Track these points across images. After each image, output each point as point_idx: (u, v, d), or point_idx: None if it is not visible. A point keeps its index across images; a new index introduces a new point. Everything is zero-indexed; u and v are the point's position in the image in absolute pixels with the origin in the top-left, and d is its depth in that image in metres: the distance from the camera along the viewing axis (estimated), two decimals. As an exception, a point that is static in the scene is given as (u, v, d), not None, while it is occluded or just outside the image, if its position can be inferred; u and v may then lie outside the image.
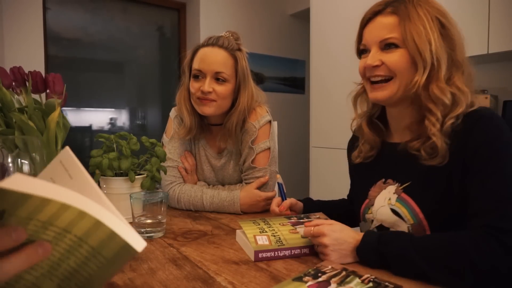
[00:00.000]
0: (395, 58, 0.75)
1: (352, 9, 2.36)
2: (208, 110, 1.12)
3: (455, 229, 0.69)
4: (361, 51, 0.82)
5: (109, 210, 0.38)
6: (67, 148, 0.41)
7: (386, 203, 0.80)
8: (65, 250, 0.38)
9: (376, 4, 0.79)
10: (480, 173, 0.66)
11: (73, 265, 0.40)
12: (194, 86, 1.12)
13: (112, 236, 0.37)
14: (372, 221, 0.83)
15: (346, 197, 1.08)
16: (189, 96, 1.17)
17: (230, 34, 1.17)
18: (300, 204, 0.99)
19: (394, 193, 0.79)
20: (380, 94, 0.77)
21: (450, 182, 0.70)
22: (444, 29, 0.75)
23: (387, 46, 0.76)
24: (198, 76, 1.11)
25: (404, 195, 0.77)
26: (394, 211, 0.78)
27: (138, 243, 0.39)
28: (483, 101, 2.00)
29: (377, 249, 0.64)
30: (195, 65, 1.11)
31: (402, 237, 0.64)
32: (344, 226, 0.71)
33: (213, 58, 1.10)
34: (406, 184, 0.77)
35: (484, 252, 0.57)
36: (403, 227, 0.76)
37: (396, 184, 0.79)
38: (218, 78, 1.10)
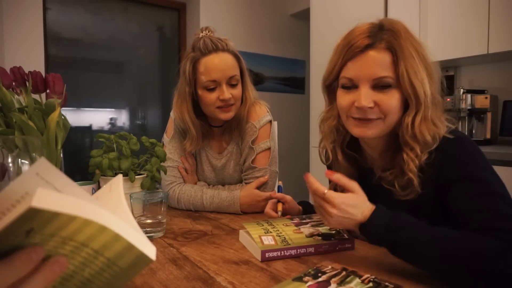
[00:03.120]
0: (389, 100, 0.71)
1: (352, 9, 2.36)
2: (229, 115, 1.12)
3: None
4: (342, 84, 0.76)
5: (129, 221, 0.39)
6: (120, 175, 0.51)
7: None
8: (80, 262, 0.38)
9: (362, 36, 0.71)
10: (468, 194, 0.66)
11: (88, 276, 0.40)
12: (210, 97, 1.09)
13: (129, 247, 0.38)
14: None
15: None
16: (193, 107, 1.15)
17: (209, 32, 1.13)
18: (297, 206, 0.99)
19: None
20: (369, 132, 0.73)
21: (419, 204, 0.72)
22: (427, 65, 0.72)
23: (380, 84, 0.71)
24: (212, 86, 1.09)
25: None
26: None
27: (151, 251, 0.40)
28: (482, 101, 2.00)
29: (384, 237, 0.61)
30: (207, 76, 1.07)
31: (412, 225, 0.61)
32: (360, 200, 0.66)
33: (224, 65, 1.08)
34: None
35: (503, 256, 0.55)
36: None
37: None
38: (231, 82, 1.10)
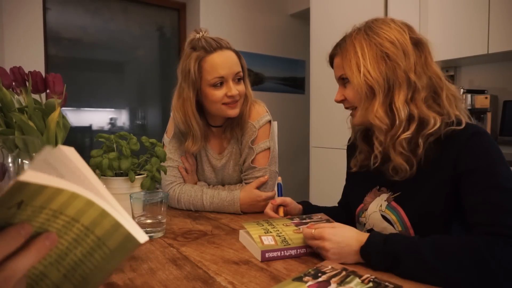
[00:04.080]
0: (348, 92, 0.83)
1: (352, 9, 2.36)
2: (236, 111, 1.12)
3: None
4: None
5: (114, 205, 0.41)
6: (61, 148, 0.38)
7: (377, 209, 0.85)
8: (73, 239, 0.41)
9: (333, 47, 0.88)
10: (479, 187, 0.68)
11: (79, 255, 0.42)
12: (217, 94, 1.09)
13: (117, 226, 0.40)
14: (364, 224, 0.88)
15: (337, 204, 1.09)
16: (197, 107, 1.14)
17: (205, 32, 1.13)
18: (297, 205, 0.99)
19: (385, 200, 0.84)
20: (354, 120, 0.86)
21: (436, 195, 0.74)
22: (388, 56, 0.76)
23: (343, 82, 0.84)
24: (219, 83, 1.09)
25: (394, 204, 0.82)
26: (384, 218, 0.83)
27: (140, 235, 0.41)
28: (482, 101, 2.00)
29: (383, 250, 0.63)
30: (214, 73, 1.07)
31: (409, 238, 0.64)
32: (347, 229, 0.70)
33: (230, 61, 1.09)
34: (397, 194, 0.81)
35: (498, 255, 0.57)
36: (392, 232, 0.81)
37: (389, 193, 0.83)
38: (237, 78, 1.11)
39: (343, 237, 0.68)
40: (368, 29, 0.80)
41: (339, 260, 0.67)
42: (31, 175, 0.32)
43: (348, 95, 0.83)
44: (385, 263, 0.63)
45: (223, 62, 1.08)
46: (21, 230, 0.36)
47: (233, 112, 1.12)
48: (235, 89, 1.09)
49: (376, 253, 0.64)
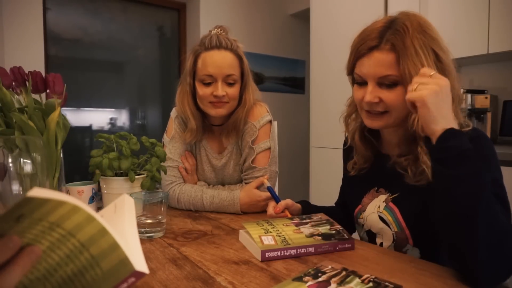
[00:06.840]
0: (393, 96, 0.74)
1: (352, 9, 2.36)
2: (221, 111, 1.13)
3: (435, 240, 0.70)
4: (355, 79, 0.81)
5: (135, 246, 0.42)
6: (126, 195, 0.53)
7: (375, 210, 0.84)
8: (66, 255, 0.39)
9: (370, 37, 0.75)
10: None
11: (70, 273, 0.40)
12: (204, 91, 1.11)
13: (114, 247, 0.38)
14: (363, 225, 0.88)
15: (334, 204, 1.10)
16: (193, 100, 1.16)
17: (221, 30, 1.16)
18: (297, 205, 0.99)
19: (383, 201, 0.83)
20: (377, 123, 0.79)
21: (433, 197, 0.72)
22: (440, 62, 0.73)
23: (385, 82, 0.74)
24: (208, 80, 1.11)
25: (391, 204, 0.81)
26: (381, 218, 0.82)
27: (137, 261, 0.39)
28: (483, 101, 2.00)
29: (468, 147, 0.60)
30: (204, 70, 1.10)
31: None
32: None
33: (223, 62, 1.09)
34: (395, 195, 0.81)
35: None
36: (389, 234, 0.81)
37: (387, 194, 0.83)
38: (228, 80, 1.11)
39: (447, 96, 0.64)
40: (420, 29, 0.73)
41: (432, 97, 0.61)
42: (38, 192, 0.33)
43: (390, 99, 0.74)
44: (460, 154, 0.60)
45: (215, 61, 1.09)
46: (9, 243, 0.35)
47: (217, 111, 1.13)
48: (223, 90, 1.09)
49: (460, 140, 0.60)
